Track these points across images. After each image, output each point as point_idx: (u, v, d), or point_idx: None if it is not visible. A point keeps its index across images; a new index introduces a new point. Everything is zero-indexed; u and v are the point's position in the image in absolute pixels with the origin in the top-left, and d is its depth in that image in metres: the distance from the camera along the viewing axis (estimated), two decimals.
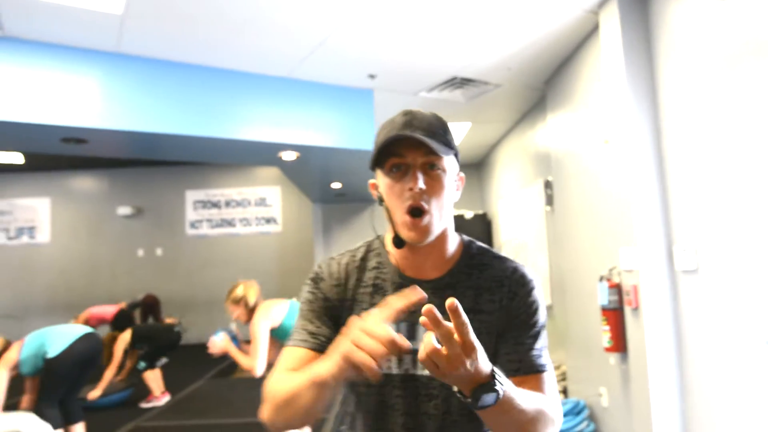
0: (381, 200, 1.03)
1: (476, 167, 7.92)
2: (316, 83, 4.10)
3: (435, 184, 0.98)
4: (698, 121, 2.54)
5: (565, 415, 3.62)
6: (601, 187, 3.33)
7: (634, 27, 2.91)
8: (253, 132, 3.93)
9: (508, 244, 5.17)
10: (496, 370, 0.80)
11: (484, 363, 0.77)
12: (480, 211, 7.30)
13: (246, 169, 9.55)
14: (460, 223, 6.92)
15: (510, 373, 0.96)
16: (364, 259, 1.09)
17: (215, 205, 9.57)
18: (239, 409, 4.94)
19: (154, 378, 5.26)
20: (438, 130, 0.99)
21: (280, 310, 3.07)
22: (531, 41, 3.53)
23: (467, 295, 1.02)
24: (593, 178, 3.46)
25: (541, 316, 1.03)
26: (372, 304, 1.02)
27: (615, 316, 3.05)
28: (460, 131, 5.87)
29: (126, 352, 5.42)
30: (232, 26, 3.19)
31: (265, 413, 0.96)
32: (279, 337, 3.02)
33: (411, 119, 0.99)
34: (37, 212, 9.44)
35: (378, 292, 1.04)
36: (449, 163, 1.01)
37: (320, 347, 1.00)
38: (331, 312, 1.05)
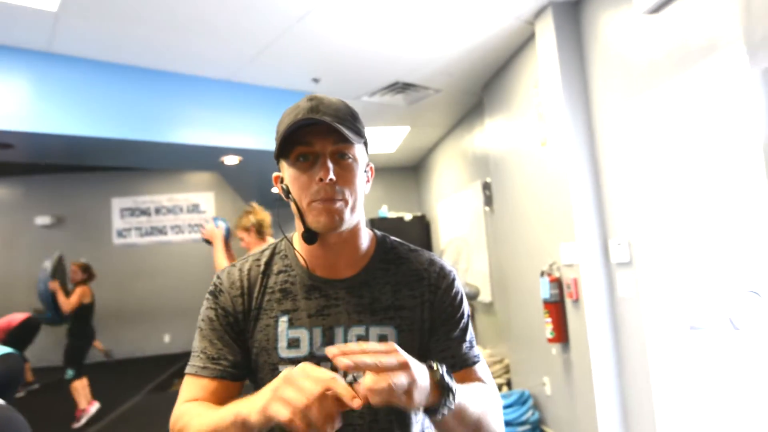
0: (287, 194, 0.94)
1: (414, 170, 8.08)
2: (259, 86, 4.06)
3: (346, 174, 0.91)
4: (628, 122, 2.76)
5: (511, 405, 3.79)
6: (539, 187, 3.52)
7: (567, 37, 3.11)
8: (195, 136, 3.83)
9: (450, 245, 5.32)
10: (441, 370, 0.79)
11: (422, 374, 0.75)
12: (419, 213, 7.46)
13: (177, 174, 9.20)
14: (400, 225, 7.04)
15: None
16: (269, 263, 1.01)
17: (144, 212, 9.16)
18: None
19: (81, 388, 4.94)
20: (347, 116, 0.91)
21: None
22: (470, 48, 3.67)
23: (385, 292, 0.98)
24: (531, 179, 3.65)
25: (465, 307, 1.02)
26: (281, 311, 0.96)
27: (556, 308, 3.24)
28: (399, 135, 5.98)
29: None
30: (176, 28, 3.10)
31: None
32: None
33: (317, 104, 0.90)
34: None
35: (287, 297, 0.97)
36: (360, 152, 0.94)
37: (222, 374, 0.93)
38: (235, 327, 0.96)
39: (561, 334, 3.22)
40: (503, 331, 4.55)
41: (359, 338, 0.94)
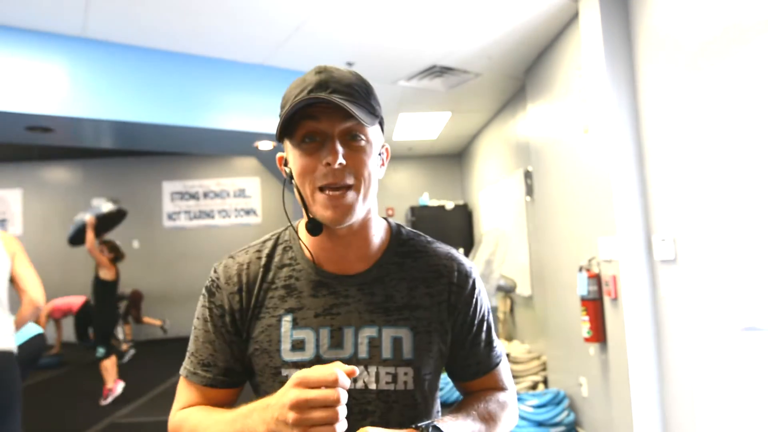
0: (291, 177, 0.83)
1: (458, 157, 7.88)
2: (291, 70, 4.00)
3: (357, 157, 0.80)
4: (678, 109, 2.52)
5: (546, 405, 3.62)
6: (580, 176, 3.30)
7: (613, 15, 2.88)
8: (228, 121, 3.82)
9: (486, 235, 5.16)
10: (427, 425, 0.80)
11: None
12: (461, 202, 7.28)
13: (224, 159, 9.40)
14: (441, 214, 6.89)
15: (469, 377, 0.95)
16: (270, 255, 0.91)
17: (193, 196, 9.40)
18: None
19: (111, 367, 5.02)
20: (360, 91, 0.81)
21: None
22: (511, 29, 3.47)
23: (400, 289, 0.88)
24: (573, 168, 3.44)
25: (486, 304, 0.95)
26: (285, 310, 0.86)
27: (594, 306, 3.05)
28: (440, 121, 5.82)
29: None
30: (206, 12, 3.07)
31: None
32: None
33: (327, 78, 0.80)
34: (9, 204, 9.16)
35: (291, 295, 0.87)
36: (374, 132, 0.83)
37: (213, 382, 0.88)
38: (231, 327, 0.88)
39: (598, 334, 3.03)
40: (541, 326, 4.36)
41: (371, 340, 0.84)
